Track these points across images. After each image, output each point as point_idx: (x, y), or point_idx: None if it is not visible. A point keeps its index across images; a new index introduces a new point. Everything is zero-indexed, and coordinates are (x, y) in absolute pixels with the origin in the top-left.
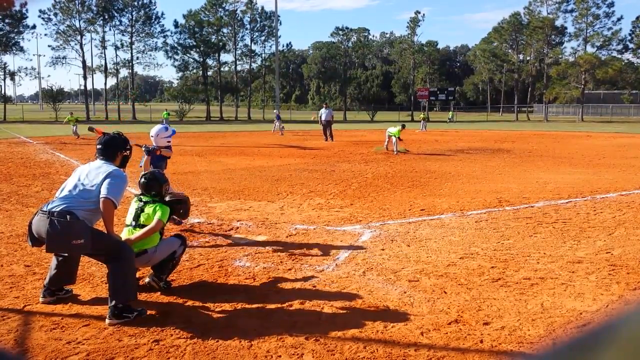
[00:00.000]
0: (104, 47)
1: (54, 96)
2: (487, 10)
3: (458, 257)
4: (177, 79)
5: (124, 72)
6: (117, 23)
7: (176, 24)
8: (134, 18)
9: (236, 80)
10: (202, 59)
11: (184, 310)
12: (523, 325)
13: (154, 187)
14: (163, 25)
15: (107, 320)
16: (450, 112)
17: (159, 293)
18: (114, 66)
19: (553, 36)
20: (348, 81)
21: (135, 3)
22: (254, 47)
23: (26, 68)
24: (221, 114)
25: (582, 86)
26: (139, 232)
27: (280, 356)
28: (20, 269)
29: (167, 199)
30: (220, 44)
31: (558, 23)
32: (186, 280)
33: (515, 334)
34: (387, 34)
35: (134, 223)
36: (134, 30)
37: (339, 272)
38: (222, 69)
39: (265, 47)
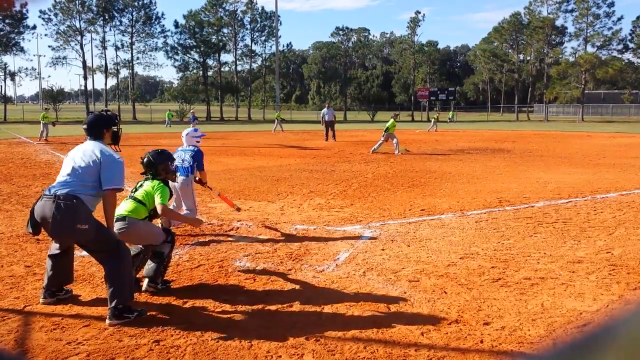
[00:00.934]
0: (104, 48)
1: (54, 96)
2: (487, 10)
3: (458, 257)
4: (178, 79)
5: (124, 73)
6: (118, 23)
7: (176, 24)
8: (134, 18)
9: (236, 81)
10: (202, 59)
11: (184, 311)
12: (523, 325)
13: (152, 167)
14: (163, 25)
15: (107, 321)
16: (451, 112)
17: (159, 294)
18: (114, 66)
19: (553, 36)
20: (348, 81)
21: (136, 3)
22: (254, 47)
23: (26, 68)
24: (221, 114)
25: (583, 86)
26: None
27: (280, 356)
28: (21, 269)
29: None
30: (221, 44)
31: (558, 23)
32: (186, 280)
33: (516, 334)
34: (387, 34)
35: (131, 195)
36: (134, 31)
37: (339, 272)
38: (222, 69)
39: (265, 47)
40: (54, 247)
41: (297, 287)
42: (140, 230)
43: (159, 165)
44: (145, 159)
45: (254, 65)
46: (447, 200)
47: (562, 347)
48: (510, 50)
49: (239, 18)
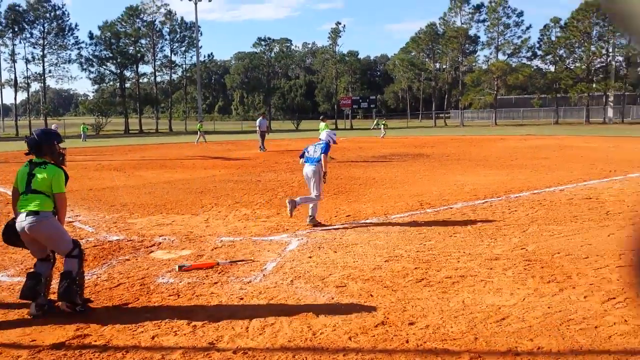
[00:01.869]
0: (14, 61)
1: None
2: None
3: (383, 260)
4: (93, 92)
5: (35, 86)
6: (28, 35)
7: (91, 36)
8: (46, 30)
9: (156, 92)
10: (119, 71)
11: (104, 333)
12: (446, 322)
13: (36, 146)
14: (77, 37)
15: None
16: (378, 120)
17: (74, 316)
18: (24, 80)
19: (467, 45)
20: (272, 91)
21: (48, 15)
22: (174, 57)
23: None
24: (140, 127)
25: (495, 92)
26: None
27: None
28: None
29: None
30: (139, 55)
31: (472, 32)
32: (105, 301)
33: (439, 331)
34: (309, 44)
35: (26, 190)
36: (45, 43)
37: (266, 282)
38: (140, 80)
39: (185, 57)
40: None
41: (224, 300)
42: (51, 228)
43: (43, 145)
44: (29, 138)
45: (174, 76)
46: (372, 205)
47: None
48: (427, 59)
49: (158, 29)
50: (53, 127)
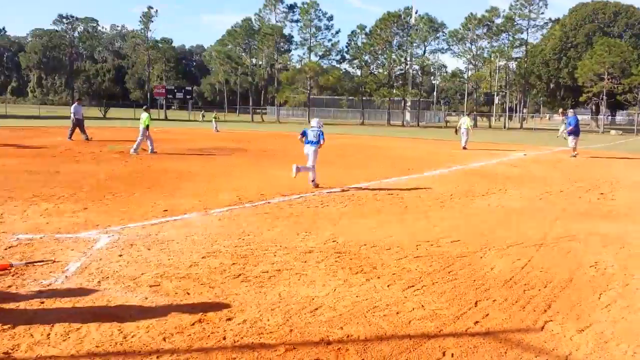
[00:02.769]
0: None
1: None
2: (223, 13)
3: (200, 256)
4: None
5: None
6: None
7: None
8: None
9: None
10: None
11: None
12: (263, 316)
13: None
14: None
15: None
16: (212, 114)
17: None
18: None
19: (282, 43)
20: (76, 74)
21: None
22: None
23: None
24: None
25: (308, 91)
26: None
27: None
28: None
29: None
30: None
31: (286, 31)
32: None
33: (257, 325)
34: (118, 26)
35: None
36: None
37: (69, 284)
38: None
39: None
40: None
41: (19, 305)
42: None
43: None
44: None
45: None
46: (190, 199)
47: None
48: (243, 54)
49: None
50: None
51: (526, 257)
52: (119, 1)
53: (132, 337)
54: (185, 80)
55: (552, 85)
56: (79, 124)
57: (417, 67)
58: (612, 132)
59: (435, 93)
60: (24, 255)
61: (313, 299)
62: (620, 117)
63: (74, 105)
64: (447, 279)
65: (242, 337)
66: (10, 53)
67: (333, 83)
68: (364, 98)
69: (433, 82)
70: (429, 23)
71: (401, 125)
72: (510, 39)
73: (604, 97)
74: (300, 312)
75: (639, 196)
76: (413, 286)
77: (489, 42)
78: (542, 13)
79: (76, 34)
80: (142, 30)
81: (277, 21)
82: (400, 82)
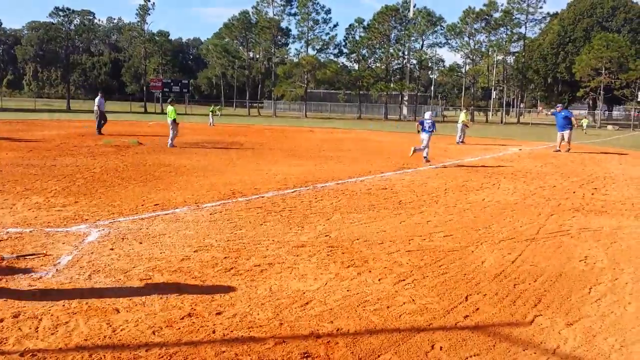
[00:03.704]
0: None
1: None
2: (219, 6)
3: (192, 250)
4: None
5: None
6: None
7: None
8: None
9: None
10: None
11: None
12: (253, 310)
13: None
14: None
15: None
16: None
17: None
18: None
19: (279, 37)
20: (72, 67)
21: None
22: None
23: None
24: None
25: (305, 85)
26: None
27: None
28: None
29: None
30: None
31: (283, 25)
32: None
33: (246, 319)
34: (115, 19)
35: None
36: None
37: (60, 278)
38: None
39: None
40: None
41: (10, 299)
42: None
43: None
44: None
45: None
46: (182, 193)
47: None
48: (240, 47)
49: None
50: None
51: (517, 251)
52: None
53: (121, 330)
54: (182, 74)
55: (549, 80)
56: (103, 116)
57: (414, 61)
58: (609, 127)
59: (432, 87)
60: (14, 248)
61: (304, 293)
62: (617, 112)
63: (98, 98)
64: (438, 273)
65: (231, 331)
66: (6, 46)
67: (330, 77)
68: (361, 92)
69: (430, 76)
70: (427, 17)
71: (398, 119)
72: (508, 33)
73: (601, 92)
74: (291, 306)
75: (632, 192)
76: (404, 280)
77: (487, 37)
78: (541, 7)
79: (72, 27)
80: (139, 23)
81: (274, 14)
82: (398, 76)
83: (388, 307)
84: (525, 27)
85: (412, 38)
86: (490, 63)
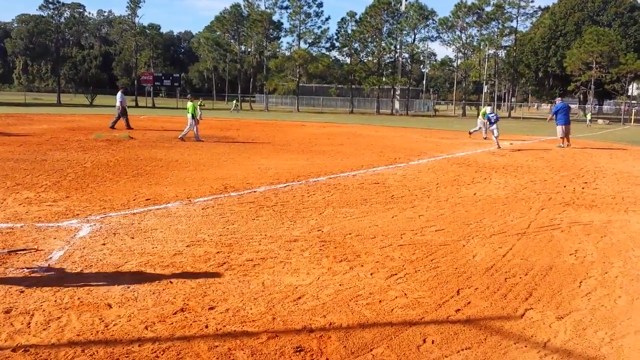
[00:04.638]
0: None
1: None
2: None
3: (185, 245)
4: None
5: None
6: None
7: None
8: None
9: None
10: None
11: None
12: (246, 304)
13: None
14: None
15: None
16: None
17: None
18: None
19: (271, 30)
20: (62, 60)
21: None
22: None
23: None
24: None
25: (297, 79)
26: None
27: None
28: None
29: None
30: None
31: (275, 18)
32: None
33: (239, 314)
34: (105, 12)
35: None
36: None
37: (51, 273)
38: None
39: None
40: None
41: (0, 293)
42: None
43: None
44: None
45: None
46: (174, 188)
47: None
48: (232, 41)
49: None
50: None
51: (508, 245)
52: None
53: (114, 325)
54: (173, 67)
55: (540, 74)
56: (124, 113)
57: (406, 55)
58: (600, 121)
59: (424, 81)
60: (5, 243)
61: (296, 287)
62: (607, 106)
63: (119, 94)
64: (430, 267)
65: (224, 326)
66: None
67: (322, 71)
68: (353, 86)
69: (422, 70)
70: (419, 10)
71: (390, 113)
72: (500, 27)
73: (592, 87)
74: (284, 300)
75: (622, 186)
76: (396, 274)
77: (478, 30)
78: (532, 1)
79: (62, 20)
80: (130, 16)
81: (266, 7)
82: (390, 70)
83: (380, 301)
84: (517, 21)
85: (404, 32)
86: (482, 57)
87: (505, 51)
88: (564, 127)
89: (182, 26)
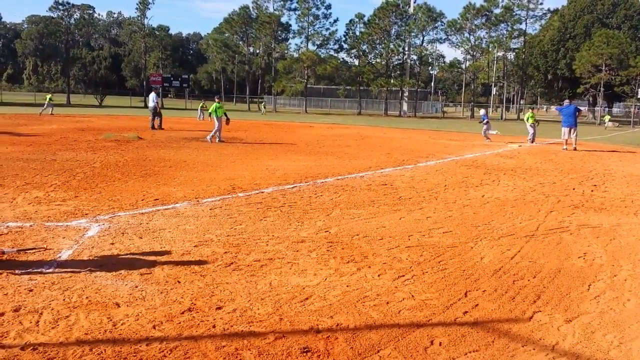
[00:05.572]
0: None
1: None
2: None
3: (193, 245)
4: None
5: None
6: None
7: None
8: None
9: None
10: None
11: None
12: (253, 305)
13: None
14: None
15: None
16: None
17: None
18: None
19: (279, 32)
20: (71, 61)
21: None
22: None
23: None
24: None
25: (305, 80)
26: None
27: None
28: None
29: None
30: None
31: (284, 20)
32: None
33: (246, 314)
34: (115, 13)
35: None
36: None
37: (60, 272)
38: None
39: None
40: None
41: (9, 292)
42: None
43: None
44: None
45: None
46: (182, 188)
47: None
48: (241, 42)
49: None
50: None
51: (516, 247)
52: None
53: (122, 324)
54: (182, 69)
55: (549, 77)
56: (158, 113)
57: (415, 57)
58: (609, 123)
59: (432, 83)
60: (14, 242)
61: (304, 288)
62: (617, 108)
63: (152, 95)
64: (438, 269)
65: (231, 326)
66: (6, 40)
67: (330, 72)
68: (361, 88)
69: (431, 72)
70: (427, 12)
71: (398, 115)
72: (509, 29)
73: (602, 89)
74: (291, 301)
75: (631, 189)
76: (403, 276)
77: (487, 33)
78: (541, 3)
79: (72, 21)
80: (139, 18)
81: (274, 9)
82: (398, 72)
83: (387, 302)
84: (526, 24)
85: (413, 34)
86: (491, 59)
87: (514, 53)
88: (565, 129)
89: (191, 28)
